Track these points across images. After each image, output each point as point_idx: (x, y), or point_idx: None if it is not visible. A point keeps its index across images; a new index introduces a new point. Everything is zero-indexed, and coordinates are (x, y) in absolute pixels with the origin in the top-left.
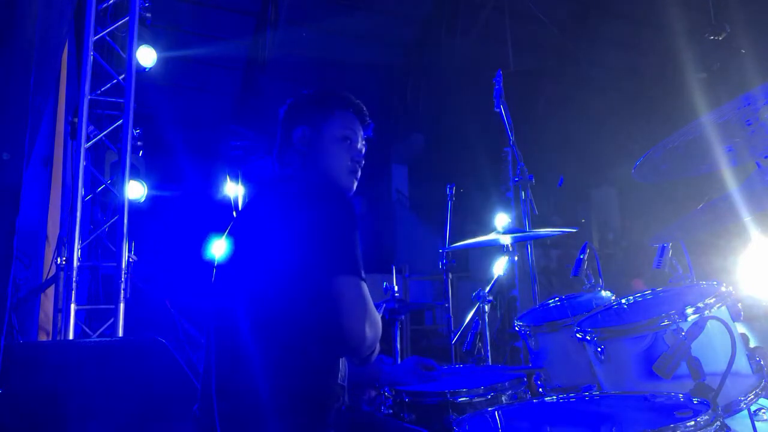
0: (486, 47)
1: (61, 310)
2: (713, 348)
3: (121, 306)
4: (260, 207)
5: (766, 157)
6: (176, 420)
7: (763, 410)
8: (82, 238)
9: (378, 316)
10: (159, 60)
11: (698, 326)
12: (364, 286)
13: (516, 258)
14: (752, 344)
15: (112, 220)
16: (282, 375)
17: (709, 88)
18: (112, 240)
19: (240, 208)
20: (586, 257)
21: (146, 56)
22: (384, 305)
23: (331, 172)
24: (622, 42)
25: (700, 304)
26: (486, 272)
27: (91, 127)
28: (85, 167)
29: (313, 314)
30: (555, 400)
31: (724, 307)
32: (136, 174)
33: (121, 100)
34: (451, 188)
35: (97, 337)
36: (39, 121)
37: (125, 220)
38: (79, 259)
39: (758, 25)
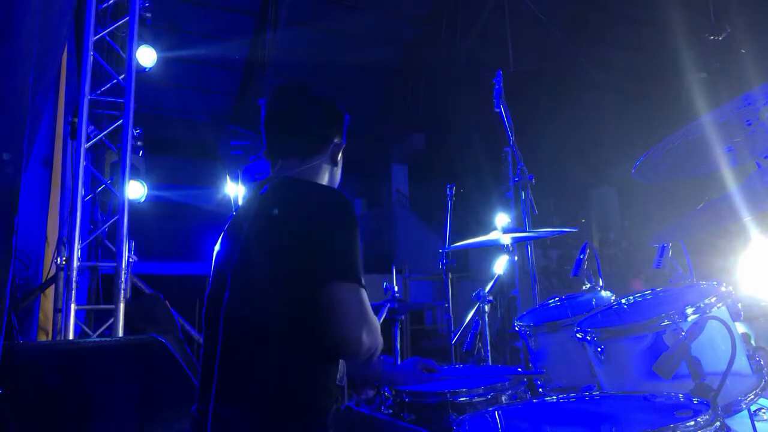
0: (486, 47)
1: (61, 310)
2: (713, 348)
3: (121, 306)
4: (263, 209)
5: (766, 157)
6: (176, 420)
7: (763, 410)
8: (82, 238)
9: (376, 322)
10: (159, 60)
11: (698, 326)
12: (363, 293)
13: (516, 258)
14: (752, 343)
15: (112, 220)
16: (281, 376)
17: (709, 88)
18: (112, 240)
19: (238, 209)
20: (586, 257)
21: (146, 56)
22: (384, 305)
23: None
24: (622, 42)
25: (700, 304)
26: (486, 272)
27: (91, 127)
28: (85, 167)
29: (312, 319)
30: (555, 400)
31: (724, 307)
32: (136, 174)
33: (121, 100)
34: (451, 188)
35: (97, 337)
36: (39, 121)
37: (125, 220)
38: (79, 259)
39: (758, 25)
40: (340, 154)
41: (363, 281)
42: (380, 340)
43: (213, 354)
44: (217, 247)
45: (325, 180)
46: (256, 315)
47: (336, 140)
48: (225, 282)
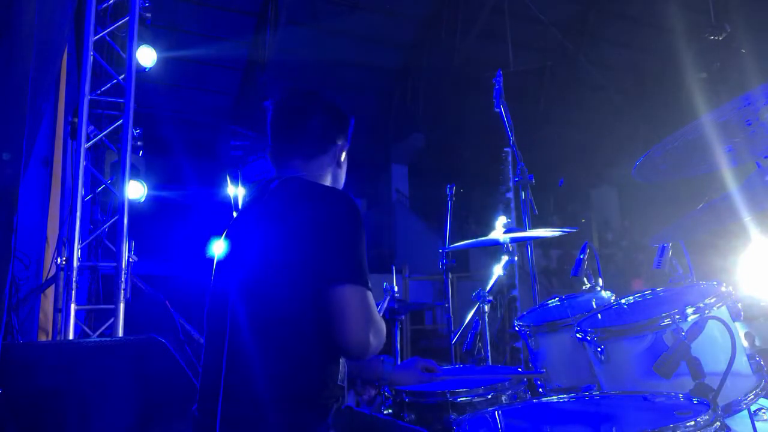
0: (486, 47)
1: (61, 310)
2: (713, 348)
3: (121, 306)
4: (270, 208)
5: (766, 157)
6: (176, 420)
7: (763, 410)
8: (82, 238)
9: (383, 324)
10: (159, 60)
11: (698, 326)
12: (370, 295)
13: (516, 258)
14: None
15: (112, 220)
16: (283, 376)
17: (709, 88)
18: (112, 240)
19: (242, 208)
20: (586, 257)
21: (146, 56)
22: (385, 305)
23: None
24: (622, 42)
25: (700, 304)
26: (486, 272)
27: (91, 127)
28: (85, 167)
29: (317, 321)
30: (555, 400)
31: (724, 307)
32: (136, 174)
33: (121, 100)
34: (451, 188)
35: (97, 337)
36: (39, 121)
37: (125, 220)
38: (79, 259)
39: (758, 25)
40: (343, 155)
41: (369, 283)
42: (384, 341)
43: (219, 353)
44: (220, 247)
45: (329, 181)
46: (263, 314)
47: (340, 142)
48: (231, 281)
